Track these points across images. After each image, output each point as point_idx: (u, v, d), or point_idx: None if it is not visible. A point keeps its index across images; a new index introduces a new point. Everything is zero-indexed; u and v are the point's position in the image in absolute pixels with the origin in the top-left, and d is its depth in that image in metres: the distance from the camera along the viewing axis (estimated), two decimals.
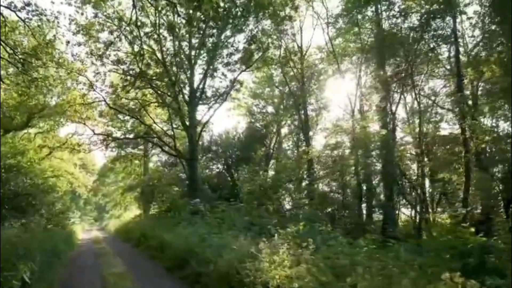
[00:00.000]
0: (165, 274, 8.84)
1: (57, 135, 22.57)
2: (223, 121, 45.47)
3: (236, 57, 16.55)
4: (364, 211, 16.92)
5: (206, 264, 7.69)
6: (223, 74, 16.59)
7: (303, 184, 19.29)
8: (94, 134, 18.13)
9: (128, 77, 16.96)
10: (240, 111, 29.40)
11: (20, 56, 13.57)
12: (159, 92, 17.57)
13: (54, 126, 20.01)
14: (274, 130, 26.98)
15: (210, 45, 16.28)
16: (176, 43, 17.04)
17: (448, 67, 16.48)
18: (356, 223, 13.62)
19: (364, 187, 16.37)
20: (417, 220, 13.87)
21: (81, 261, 11.37)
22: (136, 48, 17.17)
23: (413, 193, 14.14)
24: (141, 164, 31.79)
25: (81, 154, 39.78)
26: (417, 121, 17.74)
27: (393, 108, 16.18)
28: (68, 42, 14.56)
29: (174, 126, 18.45)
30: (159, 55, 16.93)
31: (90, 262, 11.12)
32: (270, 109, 28.15)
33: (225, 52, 16.40)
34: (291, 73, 21.82)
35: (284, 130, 27.81)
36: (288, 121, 25.72)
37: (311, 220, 12.76)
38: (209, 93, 17.62)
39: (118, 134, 25.47)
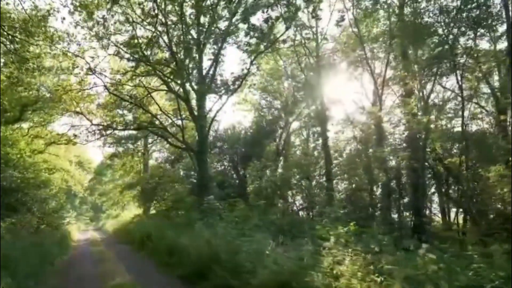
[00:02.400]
0: (183, 286, 7.21)
1: (52, 130, 20.76)
2: (228, 116, 43.82)
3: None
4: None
5: (238, 274, 6.11)
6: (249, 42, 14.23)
7: (321, 180, 17.69)
8: (92, 124, 16.40)
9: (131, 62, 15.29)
10: (246, 106, 27.81)
11: (8, 32, 11.87)
12: (164, 78, 15.88)
13: (48, 118, 18.14)
14: (283, 124, 25.38)
15: (222, 24, 14.60)
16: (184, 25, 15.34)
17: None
18: (391, 223, 12.10)
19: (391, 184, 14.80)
20: (455, 220, 12.39)
21: (77, 268, 9.68)
22: (139, 31, 15.56)
23: (454, 190, 12.63)
24: (141, 161, 30.13)
25: (78, 152, 38.31)
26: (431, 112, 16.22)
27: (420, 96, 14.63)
28: (63, 18, 12.85)
29: (180, 118, 16.66)
30: (165, 38, 15.27)
31: (88, 269, 9.44)
32: (278, 103, 26.61)
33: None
34: (304, 63, 20.28)
35: (294, 125, 26.18)
36: (303, 113, 24.08)
37: (341, 220, 11.22)
38: (219, 80, 15.91)
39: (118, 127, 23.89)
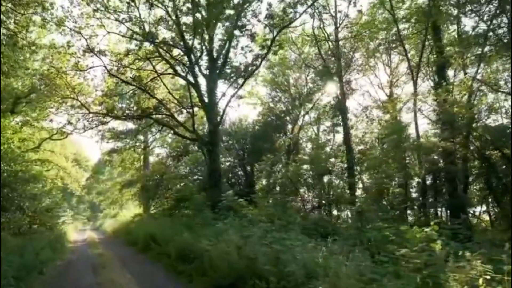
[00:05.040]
0: None
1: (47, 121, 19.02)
2: (232, 110, 41.74)
3: None
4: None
5: None
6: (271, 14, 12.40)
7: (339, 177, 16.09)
8: (90, 112, 14.64)
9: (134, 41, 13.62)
10: (252, 99, 26.14)
11: None
12: (171, 61, 14.21)
13: (42, 106, 16.32)
14: (293, 117, 23.79)
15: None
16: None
17: None
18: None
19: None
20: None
21: (73, 278, 7.99)
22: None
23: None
24: (141, 157, 28.46)
25: (74, 149, 36.56)
26: None
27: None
28: None
29: (189, 105, 14.82)
30: (173, 16, 13.60)
31: (86, 279, 7.73)
32: (287, 95, 24.99)
33: None
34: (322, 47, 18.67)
35: (305, 119, 24.55)
36: (316, 105, 22.48)
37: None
38: (233, 64, 14.24)
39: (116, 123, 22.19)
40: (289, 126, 24.26)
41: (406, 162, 12.46)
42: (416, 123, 13.13)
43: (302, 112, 23.86)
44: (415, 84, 13.34)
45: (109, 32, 13.54)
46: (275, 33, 12.38)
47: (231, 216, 9.43)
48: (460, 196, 12.23)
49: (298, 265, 4.93)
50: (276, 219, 8.89)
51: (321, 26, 17.15)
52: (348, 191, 15.29)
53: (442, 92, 11.97)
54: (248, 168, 23.38)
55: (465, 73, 12.62)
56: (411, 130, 13.44)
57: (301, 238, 6.34)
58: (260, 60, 13.49)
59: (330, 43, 17.32)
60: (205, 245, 6.83)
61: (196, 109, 14.99)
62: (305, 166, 18.55)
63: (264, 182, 22.06)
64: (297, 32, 18.97)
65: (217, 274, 6.29)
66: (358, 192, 16.97)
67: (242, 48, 13.68)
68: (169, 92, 14.61)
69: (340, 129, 21.40)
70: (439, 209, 13.97)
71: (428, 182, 13.61)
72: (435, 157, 12.28)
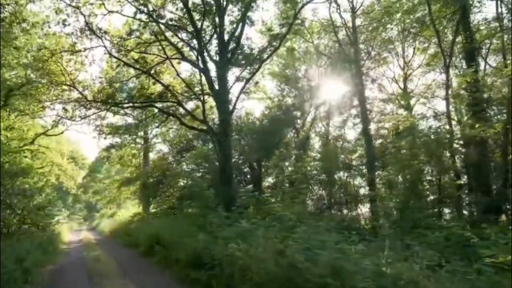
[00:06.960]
0: None
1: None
2: (245, 99, 39.95)
3: None
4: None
5: None
6: None
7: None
8: (88, 101, 13.24)
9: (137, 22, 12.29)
10: (258, 94, 24.81)
11: None
12: (178, 45, 12.90)
13: (37, 94, 14.89)
14: (305, 111, 22.56)
15: None
16: None
17: None
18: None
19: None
20: None
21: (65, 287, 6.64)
22: None
23: None
24: (140, 153, 27.17)
25: (70, 147, 35.15)
26: None
27: None
28: None
29: (199, 92, 13.41)
30: None
31: None
32: (295, 89, 23.73)
33: None
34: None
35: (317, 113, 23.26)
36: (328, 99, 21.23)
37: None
38: (246, 47, 12.89)
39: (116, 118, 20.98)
40: (299, 121, 23.10)
41: (442, 156, 11.18)
42: (448, 113, 11.90)
43: (313, 107, 22.65)
44: (447, 69, 12.10)
45: (109, 12, 12.17)
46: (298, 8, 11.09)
47: (249, 215, 8.17)
48: (500, 192, 11.02)
49: (368, 278, 3.66)
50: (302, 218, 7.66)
51: (338, 11, 15.95)
52: (368, 188, 14.02)
53: (484, 76, 10.83)
54: (255, 164, 22.18)
55: (504, 57, 11.43)
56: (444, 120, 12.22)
57: (353, 240, 5.05)
58: (278, 41, 12.16)
59: (346, 30, 16.05)
60: (233, 249, 5.48)
61: (205, 97, 13.66)
62: (318, 162, 17.38)
63: (272, 179, 20.89)
64: (310, 18, 17.72)
65: (247, 285, 4.99)
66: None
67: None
68: (177, 75, 13.17)
69: (354, 122, 20.25)
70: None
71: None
72: (472, 149, 11.04)
